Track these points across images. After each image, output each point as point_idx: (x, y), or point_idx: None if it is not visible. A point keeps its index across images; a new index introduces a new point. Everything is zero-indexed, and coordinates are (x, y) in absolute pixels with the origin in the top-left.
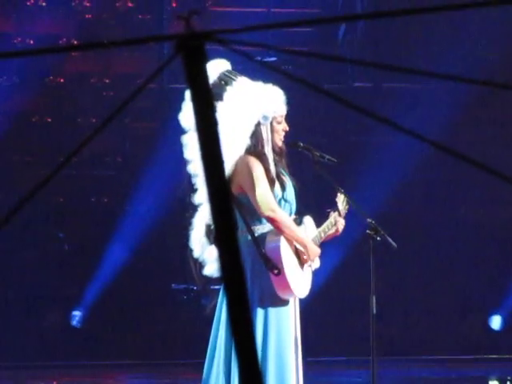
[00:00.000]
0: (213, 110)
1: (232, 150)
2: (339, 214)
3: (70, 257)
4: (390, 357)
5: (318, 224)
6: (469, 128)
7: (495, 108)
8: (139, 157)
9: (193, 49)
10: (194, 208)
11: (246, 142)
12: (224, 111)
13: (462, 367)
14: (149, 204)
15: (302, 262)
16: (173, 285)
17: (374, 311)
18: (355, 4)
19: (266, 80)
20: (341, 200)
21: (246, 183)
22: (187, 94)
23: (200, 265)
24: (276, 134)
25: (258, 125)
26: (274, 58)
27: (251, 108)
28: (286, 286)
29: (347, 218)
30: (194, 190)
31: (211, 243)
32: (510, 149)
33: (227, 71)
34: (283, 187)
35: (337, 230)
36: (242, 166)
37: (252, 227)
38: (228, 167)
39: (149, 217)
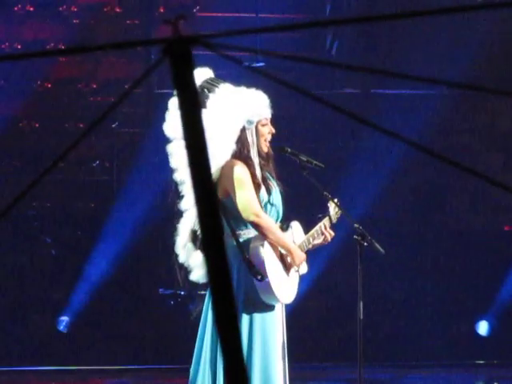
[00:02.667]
0: (200, 112)
1: (218, 156)
2: (330, 221)
3: (56, 262)
4: (377, 362)
5: (306, 229)
6: (458, 133)
7: (486, 113)
8: (127, 162)
9: (180, 53)
10: (180, 214)
11: (232, 147)
12: (208, 118)
13: (449, 373)
14: (136, 209)
15: (287, 268)
16: (160, 290)
17: (361, 317)
18: (343, 10)
19: (251, 84)
20: (332, 206)
21: (231, 187)
22: (171, 103)
23: (186, 270)
24: (261, 138)
25: (243, 130)
26: (262, 64)
27: (235, 113)
28: (270, 292)
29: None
30: (181, 197)
31: (197, 249)
32: (499, 154)
33: (209, 79)
34: (269, 191)
35: (325, 239)
36: (228, 171)
37: (237, 232)
38: (214, 172)
39: (136, 222)
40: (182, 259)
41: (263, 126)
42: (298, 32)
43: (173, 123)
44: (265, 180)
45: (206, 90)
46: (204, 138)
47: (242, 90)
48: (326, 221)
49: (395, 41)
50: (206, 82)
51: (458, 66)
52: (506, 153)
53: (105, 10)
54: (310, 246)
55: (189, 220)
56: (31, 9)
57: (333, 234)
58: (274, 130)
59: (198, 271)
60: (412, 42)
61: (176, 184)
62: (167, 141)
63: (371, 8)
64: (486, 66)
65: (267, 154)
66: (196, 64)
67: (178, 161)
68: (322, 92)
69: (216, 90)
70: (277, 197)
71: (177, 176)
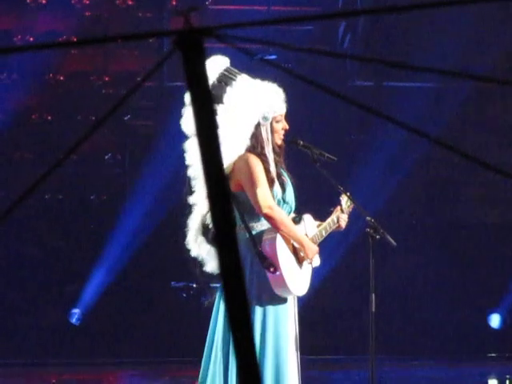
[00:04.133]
0: (211, 105)
1: (232, 151)
2: (343, 213)
3: (69, 254)
4: (390, 355)
5: (319, 222)
6: (471, 126)
7: (497, 106)
8: (139, 154)
9: (192, 45)
10: (189, 209)
11: (246, 142)
12: (224, 113)
13: (461, 366)
14: (148, 202)
15: (300, 260)
16: (172, 282)
17: (373, 309)
18: (355, 2)
19: (265, 76)
20: (344, 199)
21: (244, 180)
22: (187, 98)
23: (200, 263)
24: (276, 134)
25: (258, 125)
26: (274, 56)
27: (251, 109)
28: (283, 284)
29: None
30: (192, 193)
31: (208, 242)
32: (508, 146)
33: (226, 70)
34: (283, 188)
35: (339, 226)
36: (242, 164)
37: (250, 225)
38: (227, 165)
39: (148, 214)
40: (194, 253)
41: (278, 122)
42: (311, 24)
43: (189, 119)
44: (279, 176)
45: (223, 82)
46: (216, 132)
47: (259, 83)
48: (338, 213)
49: (407, 33)
50: (223, 73)
51: (473, 58)
52: None
53: (117, 2)
54: (323, 239)
55: (198, 214)
56: (44, 1)
57: (347, 219)
58: (287, 127)
59: (212, 263)
60: (425, 34)
61: (189, 179)
62: (179, 134)
63: (382, 0)
64: (501, 58)
65: (280, 148)
66: (208, 56)
67: (194, 157)
68: (335, 84)
69: (233, 83)
70: (290, 193)
71: (191, 172)
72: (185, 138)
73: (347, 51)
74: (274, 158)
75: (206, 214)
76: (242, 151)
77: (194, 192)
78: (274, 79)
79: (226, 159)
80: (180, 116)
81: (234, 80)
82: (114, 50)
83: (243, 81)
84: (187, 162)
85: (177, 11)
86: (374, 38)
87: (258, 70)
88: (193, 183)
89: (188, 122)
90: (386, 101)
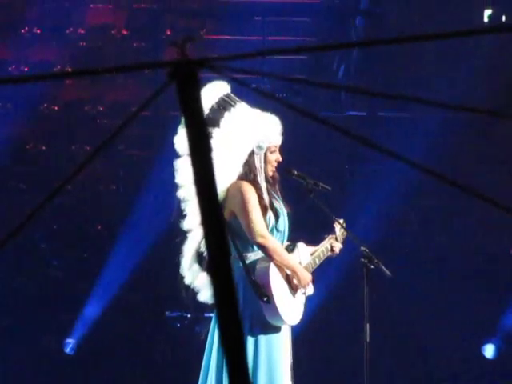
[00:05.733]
0: (206, 137)
1: (224, 177)
2: (337, 240)
3: (63, 284)
4: None
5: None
6: (464, 157)
7: (492, 137)
8: (133, 184)
9: (187, 76)
10: (183, 234)
11: (239, 169)
12: (219, 138)
13: None
14: (142, 232)
15: (293, 289)
16: (167, 312)
17: (368, 339)
18: (350, 33)
19: (261, 108)
20: (338, 227)
21: (238, 208)
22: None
23: (192, 292)
24: (269, 165)
25: (252, 154)
26: (268, 86)
27: (247, 136)
28: (276, 314)
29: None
30: (184, 216)
31: (203, 270)
32: (507, 179)
33: (226, 95)
34: (276, 216)
35: (333, 252)
36: (235, 191)
37: (243, 254)
38: (220, 193)
39: (142, 245)
40: (187, 281)
41: (272, 153)
42: (305, 55)
43: (183, 138)
44: (272, 205)
45: (221, 107)
46: (211, 163)
47: (257, 113)
48: (332, 241)
49: (401, 64)
50: (223, 98)
51: (464, 90)
52: (511, 175)
53: (112, 32)
54: (316, 267)
55: (193, 241)
56: (38, 31)
57: (341, 246)
58: (280, 159)
59: (205, 292)
60: (419, 65)
61: (179, 202)
62: (175, 160)
63: (377, 31)
64: (494, 90)
65: (273, 177)
66: (202, 86)
67: (184, 177)
68: (329, 114)
69: (232, 109)
70: (283, 222)
71: (181, 193)
72: (177, 156)
73: (342, 81)
74: (267, 187)
75: (200, 241)
76: (235, 178)
77: (185, 215)
78: (267, 108)
79: (218, 185)
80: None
81: (233, 106)
82: (109, 80)
83: (242, 108)
84: (178, 182)
85: (172, 42)
86: (369, 69)
87: (257, 100)
88: (183, 206)
89: (181, 140)
90: (379, 131)
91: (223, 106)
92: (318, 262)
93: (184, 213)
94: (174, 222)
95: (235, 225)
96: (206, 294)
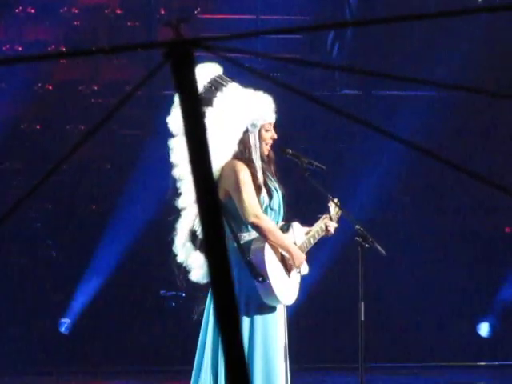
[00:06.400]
0: (201, 117)
1: (219, 156)
2: (331, 220)
3: (58, 264)
4: (379, 364)
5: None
6: (457, 135)
7: (483, 115)
8: (128, 164)
9: (181, 56)
10: (177, 212)
11: (234, 148)
12: (213, 117)
13: (450, 374)
14: (137, 211)
15: (288, 269)
16: (161, 291)
17: (363, 318)
18: (344, 11)
19: (256, 87)
20: (333, 206)
21: (232, 188)
22: (177, 98)
23: (184, 270)
24: (263, 142)
25: (246, 132)
26: (262, 66)
27: (240, 115)
28: (271, 293)
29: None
30: (179, 195)
31: (196, 249)
32: (497, 156)
33: (218, 76)
34: (270, 195)
35: (328, 232)
36: (229, 171)
37: (238, 234)
38: (215, 172)
39: (137, 224)
40: (180, 259)
41: (266, 131)
42: (299, 33)
43: (177, 118)
44: (266, 184)
45: (213, 87)
46: (206, 142)
47: (250, 92)
48: (326, 220)
49: (396, 42)
50: (215, 79)
51: (457, 68)
52: (504, 154)
53: (106, 11)
54: (311, 246)
55: (187, 219)
56: (32, 11)
57: (336, 225)
58: (275, 136)
59: (197, 271)
60: (412, 44)
61: (174, 180)
62: (168, 141)
63: (371, 10)
64: (484, 68)
65: (268, 156)
66: (196, 66)
67: (179, 156)
68: (323, 93)
69: (224, 88)
70: (277, 201)
71: (176, 172)
72: (171, 136)
73: (336, 60)
74: (261, 166)
75: (194, 220)
76: (230, 156)
77: (180, 194)
78: (263, 88)
79: (213, 164)
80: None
81: (225, 86)
82: (103, 60)
83: (234, 87)
84: (172, 161)
85: (167, 22)
86: (363, 47)
87: (250, 81)
88: (178, 184)
89: (175, 120)
90: (374, 110)
91: (215, 86)
92: (312, 242)
93: (179, 191)
94: (170, 201)
95: (229, 205)
96: (198, 273)
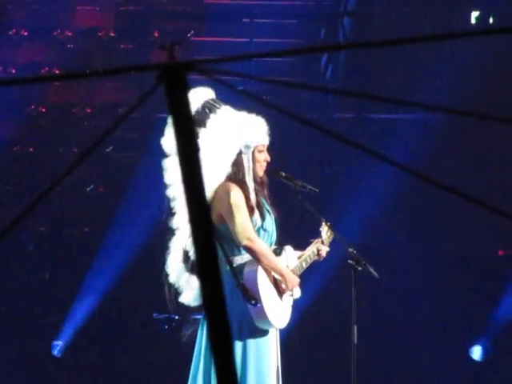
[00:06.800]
0: (195, 140)
1: (213, 177)
2: (323, 244)
3: (50, 286)
4: None
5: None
6: (450, 158)
7: (477, 139)
8: (121, 186)
9: (175, 79)
10: (171, 232)
11: (227, 169)
12: (206, 138)
13: None
14: (130, 233)
15: (281, 292)
16: (154, 314)
17: (356, 341)
18: (337, 34)
19: (249, 110)
20: (325, 230)
21: (225, 210)
22: (170, 119)
23: (176, 291)
24: (257, 164)
25: (240, 153)
26: (255, 88)
27: (233, 136)
28: (264, 317)
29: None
30: (173, 214)
31: (188, 270)
32: (493, 179)
33: (212, 100)
34: (263, 217)
35: (320, 256)
36: (222, 193)
37: (231, 257)
38: (208, 194)
39: (130, 246)
40: (172, 279)
41: (260, 152)
42: (292, 56)
43: (170, 139)
44: (259, 205)
45: (207, 109)
46: (199, 163)
47: (243, 114)
48: (318, 244)
49: (389, 65)
50: (209, 102)
51: (451, 92)
52: (497, 177)
53: (99, 34)
54: (303, 270)
55: (180, 239)
56: (26, 33)
57: (328, 249)
58: (269, 158)
59: (188, 293)
60: (405, 67)
61: (169, 200)
62: (161, 163)
63: (365, 33)
64: (479, 91)
65: (261, 179)
66: (192, 88)
67: (173, 176)
68: (316, 116)
69: (217, 110)
70: (270, 222)
71: (170, 192)
72: (164, 156)
73: (329, 83)
74: (255, 188)
75: (187, 240)
76: (223, 178)
77: (173, 213)
78: (255, 111)
79: (207, 185)
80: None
81: (219, 108)
82: (97, 82)
83: (227, 110)
84: (166, 181)
85: (161, 45)
86: (356, 70)
87: (243, 104)
88: (172, 204)
89: (169, 140)
90: (367, 132)
91: (209, 108)
92: (305, 266)
93: (173, 211)
94: (165, 221)
95: (223, 228)
96: (189, 296)
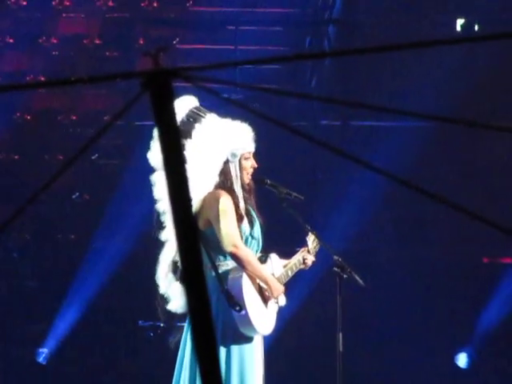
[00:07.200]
0: (180, 147)
1: (201, 187)
2: (309, 253)
3: (36, 293)
4: None
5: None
6: (437, 166)
7: (463, 145)
8: (107, 194)
9: (160, 86)
10: (161, 244)
11: (215, 179)
12: (192, 148)
13: None
14: (115, 241)
15: (265, 299)
16: (139, 322)
17: (341, 349)
18: (323, 42)
19: (234, 117)
20: (311, 239)
21: (213, 217)
22: (156, 131)
23: (165, 300)
24: (244, 171)
25: (227, 162)
26: (241, 96)
27: (219, 145)
28: (248, 323)
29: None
30: (163, 228)
31: (177, 280)
32: (478, 187)
33: (195, 108)
34: (251, 224)
35: (306, 265)
36: (211, 200)
37: (216, 263)
38: (196, 203)
39: (115, 254)
40: (162, 290)
41: (246, 159)
42: (277, 64)
43: (157, 152)
44: (248, 213)
45: (191, 119)
46: (185, 173)
47: (228, 122)
48: (304, 253)
49: (375, 72)
50: (192, 111)
51: (437, 99)
52: (483, 184)
53: (84, 41)
54: (288, 279)
55: (169, 250)
56: (11, 40)
57: (313, 258)
58: (256, 165)
59: (176, 301)
60: (391, 74)
61: (158, 214)
62: (148, 171)
63: (350, 40)
64: (465, 98)
65: (249, 186)
66: (176, 95)
67: (161, 191)
68: (301, 124)
69: (202, 120)
70: (258, 230)
71: (159, 206)
72: (152, 172)
73: (314, 90)
74: (243, 195)
75: (176, 251)
76: (211, 187)
77: (164, 227)
78: (240, 118)
79: (194, 195)
80: (147, 156)
81: (203, 117)
82: (82, 89)
83: (212, 118)
84: (155, 196)
85: (146, 52)
86: (341, 78)
87: (228, 111)
88: (162, 218)
89: (155, 155)
90: (352, 140)
91: (193, 117)
92: (290, 274)
93: (163, 225)
94: (154, 234)
95: (209, 233)
96: (176, 304)
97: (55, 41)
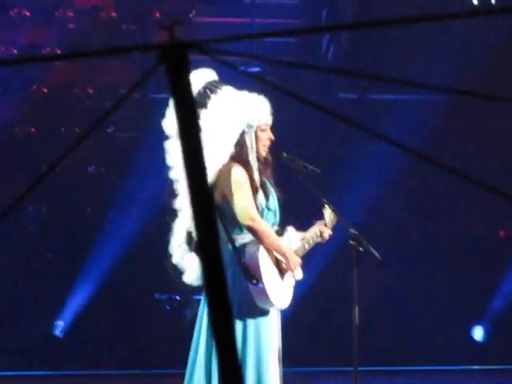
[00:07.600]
0: (196, 120)
1: (216, 158)
2: (326, 226)
3: (52, 266)
4: (373, 367)
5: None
6: (455, 138)
7: (481, 118)
8: (122, 166)
9: (176, 58)
10: (174, 213)
11: (231, 149)
12: (208, 119)
13: (444, 378)
14: (131, 213)
15: (282, 273)
16: (156, 294)
17: (357, 322)
18: (339, 15)
19: (251, 90)
20: (328, 213)
21: (228, 190)
22: (171, 101)
23: (180, 271)
24: (260, 143)
25: (243, 133)
26: (257, 69)
27: (235, 116)
28: (265, 296)
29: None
30: (175, 196)
31: (191, 250)
32: (494, 160)
33: (213, 81)
34: (267, 196)
35: (323, 238)
36: (226, 173)
37: (233, 236)
38: (212, 175)
39: (131, 226)
40: (175, 260)
41: (262, 131)
42: (294, 37)
43: (172, 121)
44: (263, 185)
45: (208, 90)
46: (201, 145)
47: (245, 93)
48: (321, 226)
49: (391, 45)
50: (209, 83)
51: (454, 72)
52: (500, 158)
53: (101, 14)
54: (305, 252)
55: (184, 220)
56: (27, 13)
57: (330, 232)
58: (273, 137)
59: (191, 273)
60: (409, 47)
61: (171, 182)
62: (163, 143)
63: (367, 13)
64: (482, 71)
65: (265, 159)
66: (191, 69)
67: (175, 159)
68: (318, 97)
69: (218, 91)
70: (274, 202)
71: (172, 174)
72: (166, 139)
73: (331, 63)
74: (258, 167)
75: (190, 221)
76: (227, 158)
77: (176, 195)
78: (258, 91)
79: (210, 166)
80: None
81: (220, 89)
82: (98, 62)
83: (228, 90)
84: (168, 164)
85: (162, 25)
86: (358, 50)
87: (245, 84)
88: (175, 186)
89: (170, 122)
90: (369, 113)
91: (210, 89)
92: (307, 247)
93: (176, 193)
94: (166, 203)
95: (226, 207)
96: (191, 275)
97: (71, 14)
